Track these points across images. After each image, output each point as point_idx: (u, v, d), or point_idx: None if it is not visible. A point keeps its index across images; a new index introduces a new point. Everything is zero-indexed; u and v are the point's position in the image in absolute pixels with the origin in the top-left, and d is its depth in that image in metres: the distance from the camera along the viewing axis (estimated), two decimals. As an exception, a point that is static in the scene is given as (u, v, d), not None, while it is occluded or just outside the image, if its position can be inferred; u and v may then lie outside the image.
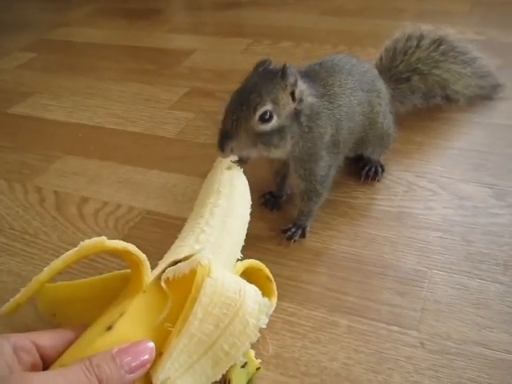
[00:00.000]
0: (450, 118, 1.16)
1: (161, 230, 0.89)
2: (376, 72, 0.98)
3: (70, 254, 0.54)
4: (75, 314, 0.64)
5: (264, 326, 0.54)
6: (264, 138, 0.72)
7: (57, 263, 0.54)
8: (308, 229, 0.86)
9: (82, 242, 0.54)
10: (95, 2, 2.21)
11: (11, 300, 0.57)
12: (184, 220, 0.90)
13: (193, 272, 0.56)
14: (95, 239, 0.54)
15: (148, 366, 0.51)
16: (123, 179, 1.04)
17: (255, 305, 0.54)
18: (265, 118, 0.71)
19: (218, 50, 1.63)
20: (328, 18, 1.79)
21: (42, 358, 0.54)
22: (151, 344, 0.52)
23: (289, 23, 1.78)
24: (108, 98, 1.36)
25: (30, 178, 1.06)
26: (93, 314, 0.58)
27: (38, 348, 0.54)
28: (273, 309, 0.69)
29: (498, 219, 0.86)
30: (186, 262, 0.57)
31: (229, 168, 0.74)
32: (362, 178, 0.97)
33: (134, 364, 0.50)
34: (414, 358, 0.65)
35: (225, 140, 0.70)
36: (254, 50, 1.59)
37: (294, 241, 0.84)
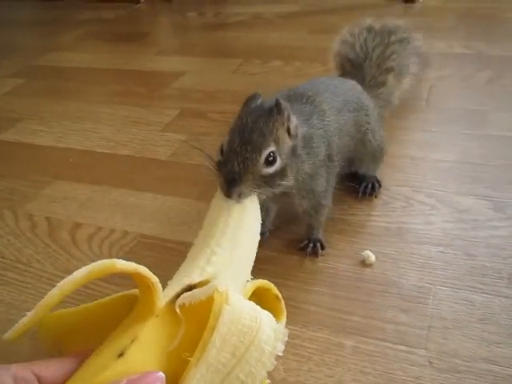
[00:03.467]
0: (442, 130, 1.16)
1: (156, 254, 0.87)
2: (360, 88, 0.98)
3: (79, 276, 0.51)
4: (82, 341, 0.61)
5: (280, 354, 0.52)
6: (268, 180, 0.69)
7: (67, 285, 0.51)
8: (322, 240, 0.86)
9: (92, 263, 0.51)
10: (83, 26, 2.21)
11: (16, 325, 0.53)
12: (179, 243, 0.89)
13: (208, 297, 0.54)
14: (106, 261, 0.51)
15: None
16: (116, 203, 1.02)
17: (271, 332, 0.53)
18: (269, 161, 0.68)
19: (207, 70, 1.63)
20: (317, 36, 1.80)
21: None
22: (161, 375, 0.50)
23: (278, 42, 1.79)
24: (98, 122, 1.35)
25: (21, 205, 1.04)
26: (100, 338, 0.55)
27: (40, 379, 0.51)
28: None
29: (498, 232, 0.85)
30: (203, 288, 0.55)
31: None
32: (360, 195, 0.96)
33: None
34: (423, 377, 0.63)
35: (232, 186, 0.66)
36: (244, 69, 1.59)
37: (320, 255, 0.84)
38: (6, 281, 0.85)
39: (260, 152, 0.67)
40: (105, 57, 1.85)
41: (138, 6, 2.43)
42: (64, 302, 0.75)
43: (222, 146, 0.70)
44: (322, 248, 0.85)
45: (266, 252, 0.85)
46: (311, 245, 0.85)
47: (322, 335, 0.70)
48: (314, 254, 0.84)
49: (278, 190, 0.72)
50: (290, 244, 0.87)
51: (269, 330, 0.53)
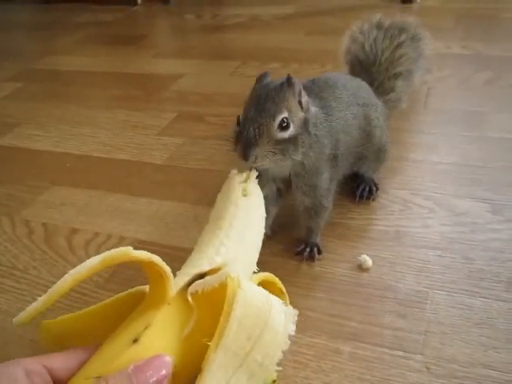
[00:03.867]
0: (441, 132, 1.16)
1: (153, 260, 0.87)
2: (370, 89, 0.98)
3: (94, 263, 0.51)
4: (88, 343, 0.61)
5: (293, 333, 0.54)
6: (282, 146, 0.72)
7: (80, 271, 0.51)
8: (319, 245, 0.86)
9: (107, 251, 0.52)
10: (81, 29, 2.21)
11: (28, 309, 0.53)
12: (177, 249, 0.89)
13: (220, 284, 0.55)
14: (121, 249, 0.52)
15: (165, 381, 0.50)
16: (113, 208, 1.01)
17: (281, 314, 0.54)
18: (283, 126, 0.72)
19: (205, 73, 1.63)
20: (315, 38, 1.79)
21: (55, 380, 0.52)
22: (168, 358, 0.51)
23: (276, 44, 1.79)
24: (95, 126, 1.35)
25: (18, 211, 1.04)
26: (103, 340, 0.56)
27: (51, 371, 0.52)
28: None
29: (496, 235, 0.85)
30: (216, 275, 0.56)
31: (244, 181, 0.73)
32: (357, 198, 0.95)
33: (151, 380, 0.49)
34: (421, 383, 0.63)
35: (249, 148, 0.70)
36: (242, 72, 1.59)
37: (316, 259, 0.84)
38: (2, 288, 0.84)
39: (274, 117, 0.71)
40: (103, 60, 1.85)
41: (136, 8, 2.42)
42: (61, 308, 0.76)
43: (238, 117, 0.74)
44: (319, 252, 0.84)
45: (263, 257, 0.84)
46: (308, 249, 0.84)
47: (320, 341, 0.70)
48: (311, 258, 0.84)
49: (289, 161, 0.75)
50: (287, 249, 0.87)
51: (279, 312, 0.54)
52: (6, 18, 2.54)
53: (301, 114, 0.75)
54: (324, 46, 1.69)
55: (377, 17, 1.14)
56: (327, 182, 0.82)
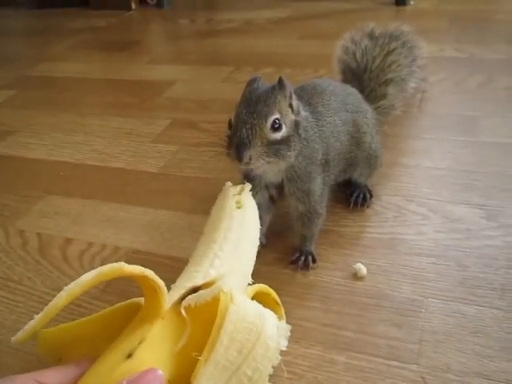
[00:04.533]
0: (434, 137, 1.16)
1: (148, 270, 0.86)
2: (360, 96, 0.98)
3: (87, 279, 0.52)
4: (84, 353, 0.61)
5: (284, 349, 0.54)
6: (275, 148, 0.72)
7: (75, 288, 0.52)
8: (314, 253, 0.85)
9: (100, 267, 0.52)
10: (75, 35, 2.21)
11: (25, 327, 0.54)
12: (172, 258, 0.88)
13: (212, 298, 0.55)
14: (114, 264, 0.53)
15: None
16: (107, 218, 1.01)
17: (274, 328, 0.55)
18: (275, 127, 0.72)
19: (199, 79, 1.63)
20: (308, 42, 1.80)
21: None
22: (160, 372, 0.51)
23: (269, 49, 1.79)
24: (89, 134, 1.34)
25: (12, 221, 1.03)
26: (100, 350, 0.56)
27: None
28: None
29: (491, 241, 0.85)
30: (209, 289, 0.56)
31: (238, 193, 0.74)
32: (351, 205, 0.95)
33: None
34: (416, 394, 0.63)
35: (242, 150, 0.70)
36: (235, 77, 1.59)
37: (311, 268, 0.83)
38: (-4, 300, 0.84)
39: (266, 118, 0.72)
40: (97, 66, 1.85)
41: (130, 13, 2.42)
42: (57, 320, 0.76)
43: (230, 120, 0.75)
44: (314, 261, 0.84)
45: (257, 266, 0.84)
46: (303, 258, 0.84)
47: (315, 351, 0.70)
48: (306, 267, 0.84)
49: (282, 163, 0.75)
50: (281, 257, 0.87)
51: (272, 326, 0.55)
52: (1, 24, 2.53)
53: (291, 117, 0.76)
54: (317, 50, 1.69)
55: (369, 26, 1.14)
56: (320, 187, 0.82)
